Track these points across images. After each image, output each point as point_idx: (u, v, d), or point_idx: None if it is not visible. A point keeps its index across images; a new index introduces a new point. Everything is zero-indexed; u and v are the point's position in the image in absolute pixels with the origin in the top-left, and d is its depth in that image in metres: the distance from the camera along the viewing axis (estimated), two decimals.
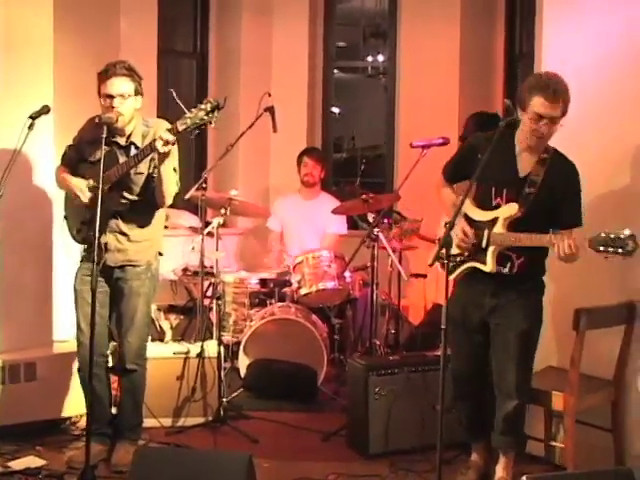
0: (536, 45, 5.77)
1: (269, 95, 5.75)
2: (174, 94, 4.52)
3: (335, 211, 6.45)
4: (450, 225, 3.81)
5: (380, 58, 8.55)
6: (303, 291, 6.16)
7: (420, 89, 7.87)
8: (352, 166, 9.12)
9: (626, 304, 4.44)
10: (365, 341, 6.20)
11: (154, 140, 4.34)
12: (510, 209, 4.10)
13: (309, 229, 6.96)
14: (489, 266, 4.13)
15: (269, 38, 8.09)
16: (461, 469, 4.55)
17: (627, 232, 3.63)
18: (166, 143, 4.29)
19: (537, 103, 3.97)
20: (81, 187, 4.58)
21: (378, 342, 6.09)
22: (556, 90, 3.96)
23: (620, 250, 3.62)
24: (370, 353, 5.79)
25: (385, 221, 6.26)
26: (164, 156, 4.37)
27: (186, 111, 4.32)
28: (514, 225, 4.09)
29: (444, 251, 3.71)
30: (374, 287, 5.72)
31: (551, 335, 4.80)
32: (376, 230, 5.63)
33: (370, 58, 8.69)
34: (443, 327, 3.65)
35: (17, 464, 4.53)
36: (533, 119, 4.00)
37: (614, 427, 4.53)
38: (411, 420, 4.84)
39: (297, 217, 7.04)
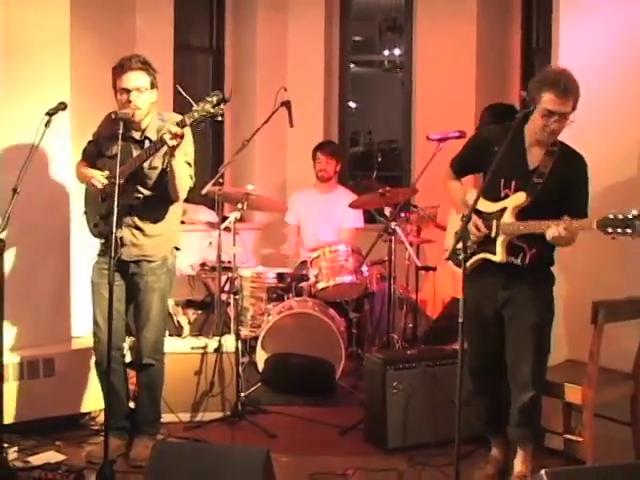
0: (553, 39, 5.75)
1: (285, 90, 5.74)
2: (180, 89, 4.52)
3: (352, 205, 6.44)
4: (466, 219, 3.80)
5: (396, 52, 8.54)
6: (320, 285, 6.16)
7: (436, 83, 7.85)
8: (369, 160, 9.13)
9: None
10: (383, 335, 6.19)
11: (164, 134, 4.36)
12: (518, 198, 4.10)
13: (325, 223, 6.95)
14: (499, 256, 4.13)
15: (285, 33, 8.09)
16: (480, 463, 4.54)
17: (635, 212, 3.60)
18: (174, 136, 4.29)
19: (547, 99, 3.95)
20: (96, 175, 4.61)
21: (396, 336, 6.08)
22: (567, 86, 3.94)
23: (628, 230, 3.59)
24: (388, 347, 5.78)
25: (402, 215, 6.25)
26: (173, 149, 4.37)
27: (193, 104, 4.33)
28: (522, 214, 4.09)
29: (461, 245, 3.70)
30: (391, 281, 5.71)
31: (569, 329, 4.79)
32: (393, 224, 5.61)
33: (386, 52, 8.69)
34: (460, 321, 3.65)
35: (37, 459, 4.54)
36: (544, 115, 3.99)
37: (633, 421, 4.51)
38: (429, 414, 4.83)
39: (313, 211, 7.04)
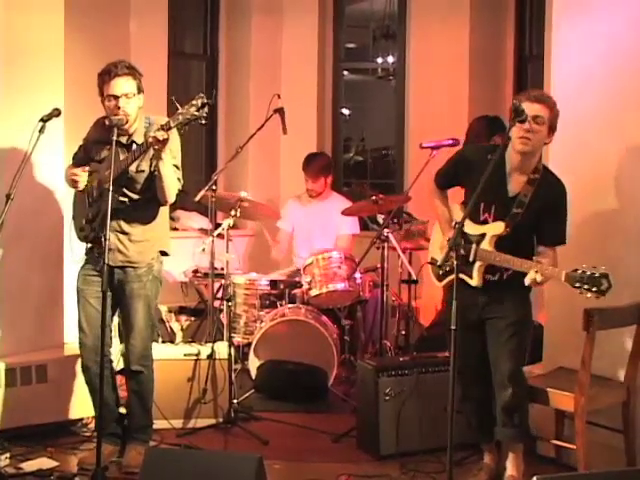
0: (546, 46, 5.77)
1: (279, 97, 5.76)
2: (173, 99, 4.53)
3: (345, 212, 6.45)
4: (459, 228, 3.81)
5: (390, 59, 8.54)
6: (313, 292, 6.16)
7: (430, 90, 7.87)
8: (362, 167, 9.14)
9: (637, 304, 4.42)
10: (375, 342, 6.19)
11: (149, 137, 4.36)
12: (497, 228, 4.20)
13: (319, 230, 6.94)
14: (475, 281, 4.24)
15: (279, 40, 8.11)
16: (473, 470, 4.55)
17: (602, 269, 3.73)
18: (157, 140, 4.30)
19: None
20: (77, 171, 4.63)
21: (388, 343, 6.09)
22: (538, 95, 4.13)
23: (594, 289, 3.73)
24: (380, 354, 5.79)
25: (395, 222, 6.25)
26: (159, 152, 4.36)
27: (179, 107, 4.33)
28: (500, 241, 4.19)
29: (454, 254, 3.72)
30: (384, 288, 5.72)
31: (562, 336, 4.80)
32: (386, 231, 5.62)
33: (380, 59, 8.68)
34: (453, 328, 3.66)
35: (29, 466, 4.54)
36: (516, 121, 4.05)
37: (625, 428, 4.51)
38: (421, 421, 4.85)
39: (307, 218, 7.02)
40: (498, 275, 4.25)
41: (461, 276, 4.23)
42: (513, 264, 4.06)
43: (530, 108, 4.02)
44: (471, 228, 4.26)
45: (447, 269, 4.29)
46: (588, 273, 3.73)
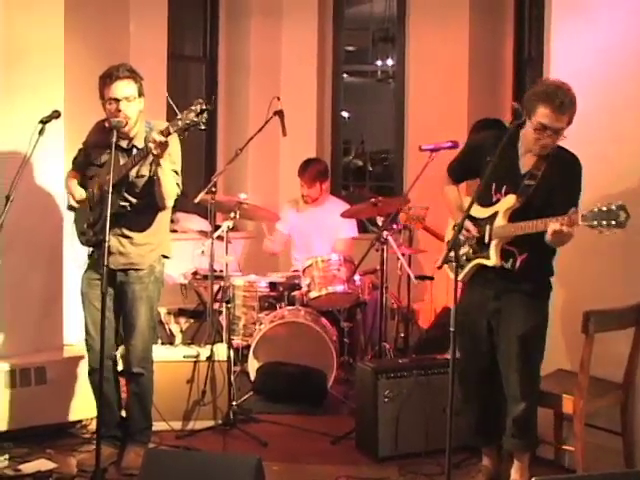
0: (545, 49, 5.78)
1: (278, 99, 5.77)
2: (169, 99, 4.53)
3: (344, 214, 6.44)
4: (459, 228, 3.81)
5: (389, 62, 8.55)
6: (313, 294, 6.16)
7: (429, 93, 7.88)
8: (361, 170, 9.14)
9: (636, 306, 4.43)
10: (374, 344, 6.20)
11: (148, 142, 4.37)
12: (508, 200, 4.12)
13: (317, 236, 6.92)
14: (493, 260, 4.15)
15: (278, 43, 8.11)
16: (471, 473, 4.55)
17: (618, 202, 3.60)
18: (158, 145, 4.29)
19: (542, 114, 3.94)
20: (74, 194, 4.68)
21: (387, 345, 6.09)
22: (563, 102, 3.91)
23: (613, 222, 3.59)
24: (379, 356, 5.79)
25: (394, 227, 6.26)
26: (158, 157, 4.37)
27: (178, 113, 4.33)
28: (514, 217, 4.10)
29: (453, 253, 3.71)
30: (383, 290, 5.72)
31: (561, 338, 4.80)
32: (385, 233, 5.62)
33: (379, 62, 8.69)
34: (452, 330, 3.66)
35: (28, 467, 4.54)
36: (537, 129, 3.98)
37: (624, 430, 4.52)
38: (420, 423, 4.84)
39: (304, 225, 7.02)
40: (511, 261, 4.14)
41: (479, 261, 4.24)
42: (529, 227, 3.94)
43: (553, 120, 3.92)
44: (481, 212, 4.21)
45: (464, 259, 4.22)
46: (604, 208, 3.60)
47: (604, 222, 3.61)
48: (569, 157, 4.16)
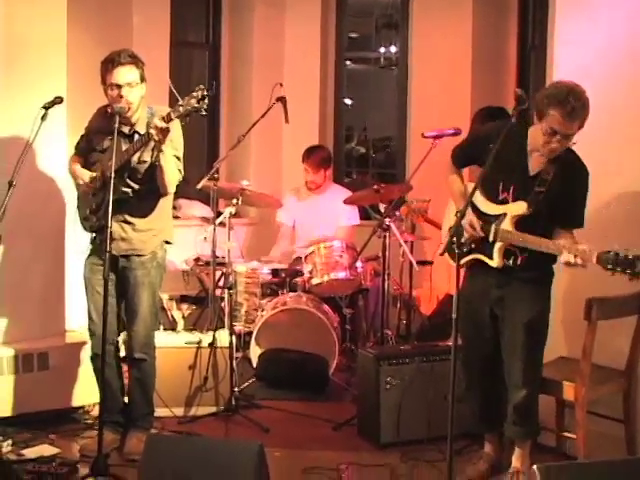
0: (549, 37, 5.76)
1: (281, 85, 5.75)
2: (170, 85, 4.52)
3: (346, 201, 6.44)
4: (461, 215, 3.79)
5: (392, 49, 8.53)
6: (315, 281, 6.16)
7: (432, 80, 7.87)
8: (364, 157, 9.13)
9: (638, 294, 4.41)
10: (377, 331, 6.20)
11: (150, 128, 4.37)
12: (519, 207, 4.08)
13: (321, 223, 6.90)
14: (495, 262, 4.16)
15: (281, 30, 8.10)
16: (473, 459, 4.55)
17: (635, 251, 3.60)
18: (159, 131, 4.29)
19: (553, 118, 3.87)
20: (83, 177, 4.65)
21: (389, 332, 6.08)
22: (574, 108, 3.83)
23: (629, 271, 3.60)
24: (381, 343, 5.79)
25: (397, 213, 6.25)
26: (160, 143, 4.36)
27: (179, 99, 4.33)
28: (521, 222, 4.08)
29: (455, 240, 3.69)
30: (385, 277, 5.72)
31: (563, 325, 4.80)
32: (387, 220, 5.61)
33: (382, 49, 8.67)
34: (454, 317, 3.65)
35: (30, 452, 4.55)
36: (547, 133, 3.92)
37: (625, 417, 4.53)
38: (422, 410, 4.84)
39: (307, 213, 7.02)
40: (512, 258, 4.14)
41: (480, 257, 4.24)
42: (538, 245, 3.94)
43: (564, 126, 3.85)
44: (490, 207, 4.19)
45: (465, 250, 4.17)
46: (622, 255, 3.59)
47: (619, 268, 3.62)
48: (579, 164, 4.11)
